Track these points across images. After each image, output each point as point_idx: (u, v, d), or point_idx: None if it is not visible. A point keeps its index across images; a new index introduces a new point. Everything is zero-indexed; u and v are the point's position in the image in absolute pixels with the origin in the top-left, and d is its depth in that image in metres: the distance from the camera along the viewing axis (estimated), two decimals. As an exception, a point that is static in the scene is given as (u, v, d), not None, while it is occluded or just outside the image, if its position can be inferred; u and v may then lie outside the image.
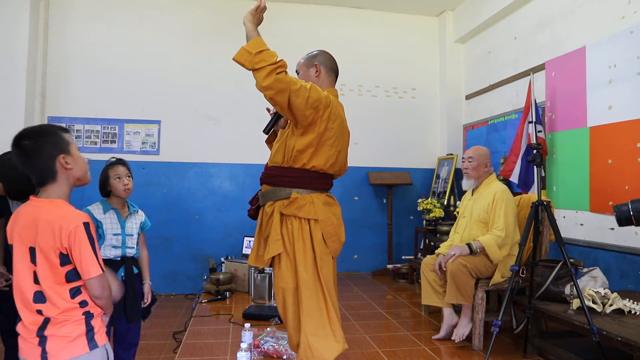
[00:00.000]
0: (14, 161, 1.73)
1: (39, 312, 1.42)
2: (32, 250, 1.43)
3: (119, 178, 2.46)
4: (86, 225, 1.44)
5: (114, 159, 2.55)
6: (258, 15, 2.09)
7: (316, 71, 2.30)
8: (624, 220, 2.03)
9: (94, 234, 1.48)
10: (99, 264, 1.45)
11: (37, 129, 1.53)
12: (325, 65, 2.32)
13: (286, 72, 1.99)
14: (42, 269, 1.42)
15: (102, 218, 2.44)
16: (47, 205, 1.46)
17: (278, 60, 1.97)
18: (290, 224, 2.14)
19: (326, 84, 2.30)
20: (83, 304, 1.46)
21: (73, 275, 1.44)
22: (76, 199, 3.06)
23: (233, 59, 1.99)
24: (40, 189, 1.49)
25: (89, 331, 1.46)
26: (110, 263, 2.42)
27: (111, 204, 2.51)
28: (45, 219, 1.42)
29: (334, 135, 2.18)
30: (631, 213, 1.99)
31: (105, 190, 2.50)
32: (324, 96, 2.11)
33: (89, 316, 1.47)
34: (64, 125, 4.93)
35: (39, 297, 1.42)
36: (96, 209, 2.46)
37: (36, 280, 1.42)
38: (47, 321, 1.42)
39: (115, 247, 2.44)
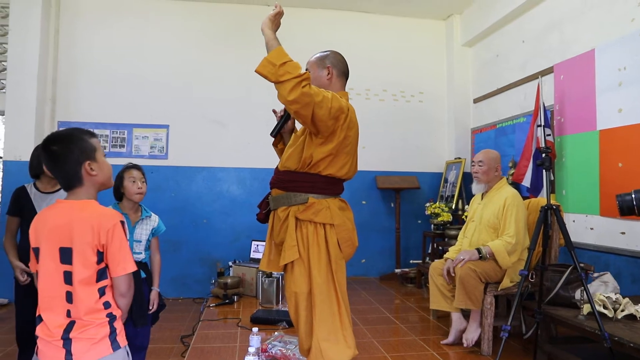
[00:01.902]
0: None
1: (68, 314, 1.44)
2: (63, 251, 1.45)
3: (133, 181, 2.48)
4: (122, 223, 1.50)
5: (130, 164, 2.57)
6: (277, 20, 2.08)
7: (328, 73, 2.24)
8: (626, 209, 2.01)
9: (127, 233, 1.53)
10: (130, 263, 1.49)
11: (66, 134, 1.55)
12: (337, 68, 2.27)
13: (310, 84, 1.96)
14: (78, 268, 1.44)
15: None
16: (80, 205, 1.50)
17: (303, 72, 1.93)
18: (305, 228, 2.11)
19: (337, 87, 2.26)
20: (107, 305, 1.49)
21: (102, 274, 1.48)
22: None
23: (256, 71, 1.95)
24: (68, 192, 1.53)
25: (112, 332, 1.48)
26: None
27: (122, 208, 2.52)
28: (81, 217, 1.46)
29: (351, 143, 2.17)
30: (634, 203, 1.97)
31: (119, 193, 2.52)
32: (344, 105, 2.08)
33: (112, 318, 1.49)
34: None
35: (70, 297, 1.45)
36: None
37: (67, 281, 1.45)
38: (72, 323, 1.44)
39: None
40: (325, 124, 2.02)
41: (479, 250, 3.09)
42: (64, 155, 1.50)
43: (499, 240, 3.09)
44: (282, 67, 1.90)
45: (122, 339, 1.52)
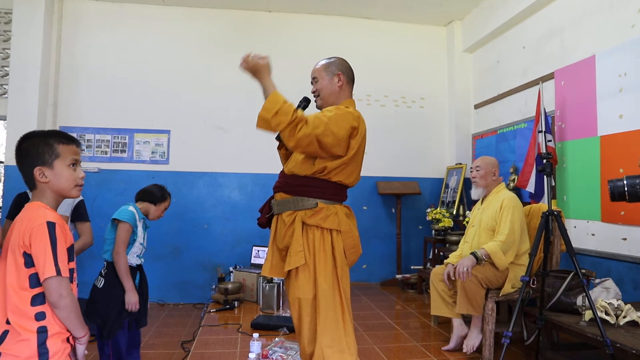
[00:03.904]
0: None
1: (7, 321, 1.36)
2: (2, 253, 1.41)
3: (163, 210, 2.71)
4: (50, 224, 1.39)
5: (169, 193, 2.78)
6: (254, 64, 2.09)
7: (339, 81, 2.24)
8: (617, 195, 2.01)
9: (61, 236, 1.41)
10: (57, 266, 1.36)
11: (36, 134, 1.52)
12: (346, 75, 2.26)
13: (307, 121, 1.96)
14: (9, 269, 1.37)
15: (138, 224, 2.56)
16: (25, 207, 1.47)
17: (294, 116, 1.94)
18: (311, 234, 2.10)
19: (347, 95, 2.27)
20: (40, 316, 1.36)
21: (36, 281, 1.37)
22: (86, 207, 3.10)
23: (257, 127, 2.00)
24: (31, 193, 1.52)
25: (42, 354, 1.33)
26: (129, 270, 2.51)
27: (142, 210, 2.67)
28: (18, 218, 1.43)
29: (361, 151, 2.19)
30: (625, 189, 1.97)
31: (148, 199, 2.66)
32: (353, 118, 2.08)
33: (42, 334, 1.35)
34: (74, 135, 5.00)
35: (5, 302, 1.37)
36: (136, 215, 2.56)
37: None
38: (5, 333, 1.35)
39: (137, 255, 2.54)
40: (337, 148, 2.05)
41: (474, 254, 3.08)
42: (24, 155, 1.49)
43: (493, 241, 3.09)
44: (275, 118, 1.94)
45: None
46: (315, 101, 2.30)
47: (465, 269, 3.02)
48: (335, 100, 2.25)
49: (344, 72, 2.26)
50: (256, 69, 2.08)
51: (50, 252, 1.36)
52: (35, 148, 1.48)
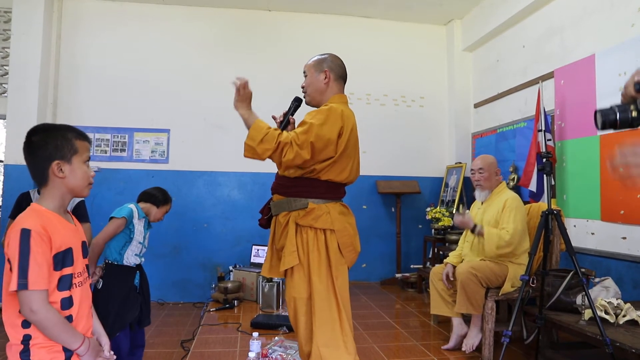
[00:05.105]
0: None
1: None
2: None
3: (164, 213, 2.72)
4: (24, 232, 1.28)
5: (170, 199, 2.79)
6: (244, 93, 2.10)
7: (325, 77, 2.24)
8: (608, 123, 1.98)
9: (39, 244, 1.29)
10: (25, 279, 1.25)
11: (49, 127, 1.46)
12: (335, 72, 2.26)
13: (290, 142, 1.99)
14: (5, 274, 1.32)
15: (137, 222, 2.55)
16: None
17: (278, 141, 1.99)
18: (305, 234, 2.11)
19: (335, 91, 2.27)
20: (26, 324, 1.30)
21: None
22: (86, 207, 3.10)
23: (244, 156, 2.07)
24: (39, 190, 1.44)
25: None
26: (127, 270, 2.52)
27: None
28: None
29: (350, 146, 2.18)
30: (617, 115, 1.95)
31: (151, 201, 2.67)
32: (337, 120, 2.09)
33: (26, 342, 1.30)
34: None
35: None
36: (135, 212, 2.55)
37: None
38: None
39: (137, 255, 2.54)
40: (326, 154, 2.08)
41: (475, 225, 3.14)
42: (37, 148, 1.39)
43: (497, 230, 3.08)
44: (261, 146, 2.00)
45: None
46: (304, 97, 2.32)
47: (465, 221, 3.18)
48: (322, 97, 2.26)
49: (332, 69, 2.26)
50: (244, 99, 2.12)
51: (17, 263, 1.26)
52: (54, 141, 1.40)
